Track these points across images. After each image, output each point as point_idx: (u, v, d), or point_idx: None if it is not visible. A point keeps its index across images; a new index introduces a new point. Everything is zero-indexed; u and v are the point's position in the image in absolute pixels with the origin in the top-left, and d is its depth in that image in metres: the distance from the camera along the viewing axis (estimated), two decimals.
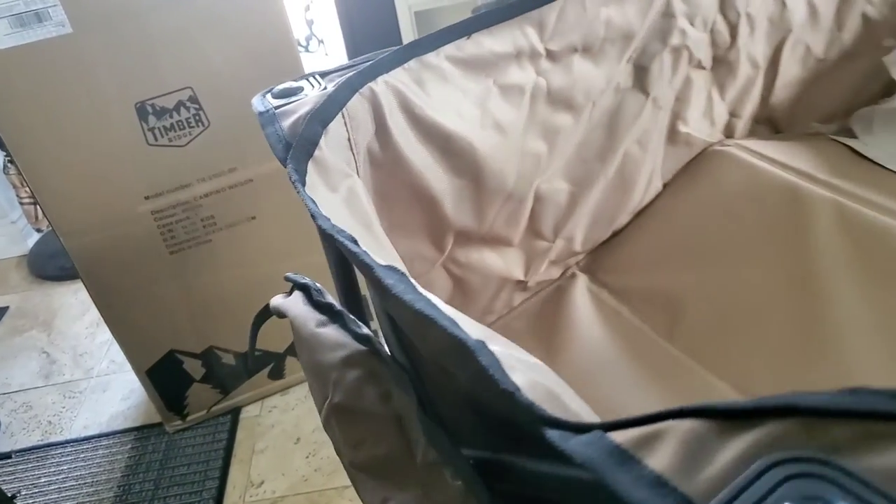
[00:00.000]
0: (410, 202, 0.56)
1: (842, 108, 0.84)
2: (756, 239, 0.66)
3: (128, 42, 0.83)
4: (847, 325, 0.58)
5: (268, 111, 0.47)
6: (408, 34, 2.18)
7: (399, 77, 0.52)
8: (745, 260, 0.65)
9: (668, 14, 0.65)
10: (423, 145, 0.55)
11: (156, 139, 0.85)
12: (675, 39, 0.66)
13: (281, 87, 0.51)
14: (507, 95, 0.59)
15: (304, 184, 0.39)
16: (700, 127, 0.74)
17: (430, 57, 0.54)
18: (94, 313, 1.54)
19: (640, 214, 0.74)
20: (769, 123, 0.81)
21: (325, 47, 2.28)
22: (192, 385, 1.16)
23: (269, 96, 0.50)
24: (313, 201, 0.36)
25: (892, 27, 0.81)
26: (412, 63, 0.53)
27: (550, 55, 0.60)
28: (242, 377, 1.21)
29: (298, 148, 0.42)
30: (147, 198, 0.90)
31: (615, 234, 0.74)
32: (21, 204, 1.60)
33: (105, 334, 1.49)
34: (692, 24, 0.67)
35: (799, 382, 0.56)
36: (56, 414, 1.31)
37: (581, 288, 0.70)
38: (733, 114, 0.77)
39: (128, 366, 1.33)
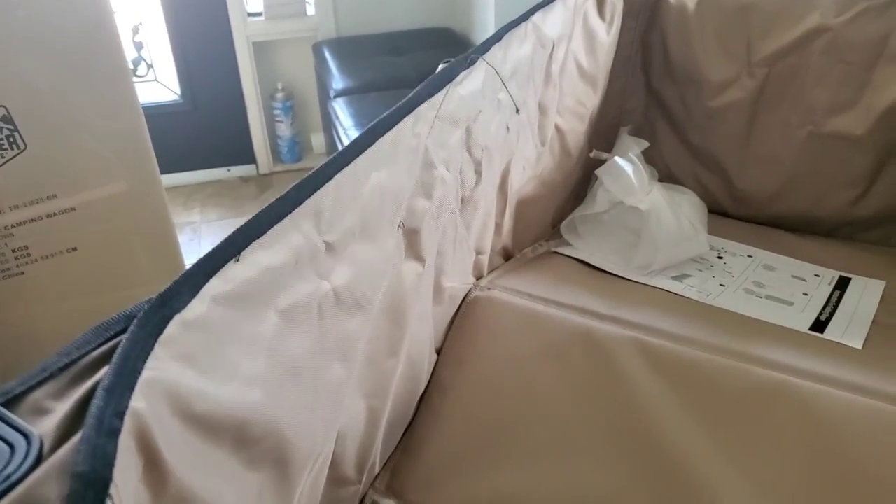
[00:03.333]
0: None
1: (557, 220, 0.82)
2: (573, 408, 0.57)
3: None
4: (709, 485, 0.51)
5: None
6: (245, 64, 1.97)
7: (163, 366, 0.30)
8: (570, 440, 0.55)
9: (428, 164, 0.53)
10: (211, 452, 0.33)
11: None
12: (437, 191, 0.54)
13: None
14: (294, 323, 0.39)
15: None
16: (458, 276, 0.64)
17: (194, 308, 0.33)
18: None
19: (426, 402, 0.60)
20: (503, 252, 0.74)
21: (154, 72, 2.10)
22: None
23: None
24: None
25: (582, 136, 0.82)
26: (173, 328, 0.31)
27: (330, 249, 0.42)
28: None
29: None
30: None
31: (405, 435, 0.59)
32: None
33: None
34: (448, 169, 0.56)
35: None
36: None
37: None
38: (479, 251, 0.67)
39: None
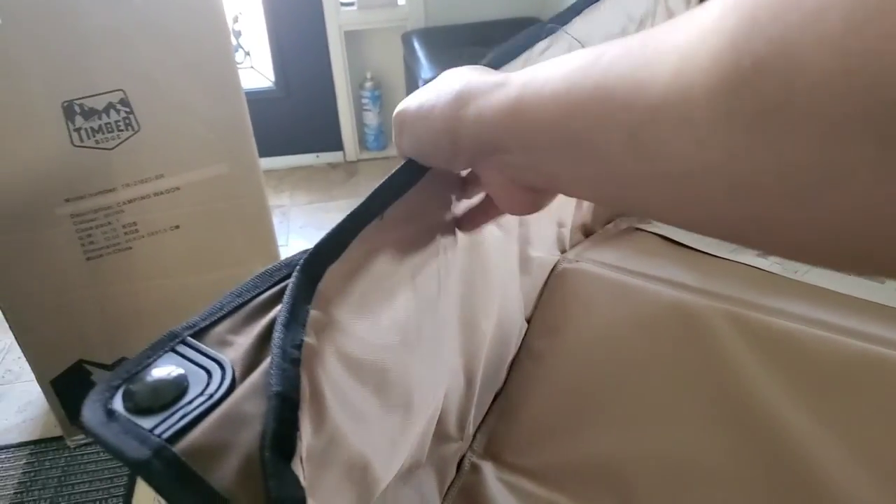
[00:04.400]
0: (338, 486, 0.36)
1: None
2: (668, 376, 0.58)
3: (59, 39, 0.79)
4: (808, 452, 0.53)
5: (157, 449, 0.24)
6: (336, 53, 2.07)
7: (323, 309, 0.32)
8: (667, 406, 0.57)
9: None
10: (357, 391, 0.35)
11: (82, 140, 0.82)
12: None
13: (144, 384, 0.27)
14: (420, 282, 0.41)
15: None
16: (544, 247, 0.65)
17: (345, 260, 0.35)
18: None
19: (518, 368, 0.62)
20: (583, 228, 0.76)
21: (251, 59, 2.22)
22: None
23: (117, 404, 0.26)
24: None
25: None
26: (329, 277, 0.33)
27: None
28: None
29: None
30: (67, 200, 0.85)
31: (496, 398, 0.61)
32: None
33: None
34: None
35: None
36: None
37: (492, 481, 0.55)
38: (560, 224, 0.69)
39: (24, 377, 1.28)
